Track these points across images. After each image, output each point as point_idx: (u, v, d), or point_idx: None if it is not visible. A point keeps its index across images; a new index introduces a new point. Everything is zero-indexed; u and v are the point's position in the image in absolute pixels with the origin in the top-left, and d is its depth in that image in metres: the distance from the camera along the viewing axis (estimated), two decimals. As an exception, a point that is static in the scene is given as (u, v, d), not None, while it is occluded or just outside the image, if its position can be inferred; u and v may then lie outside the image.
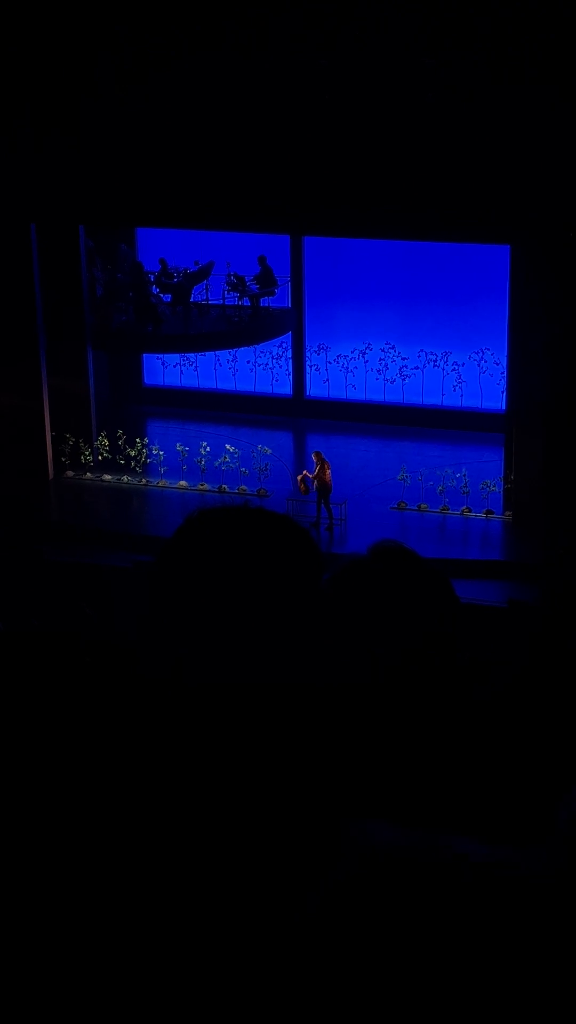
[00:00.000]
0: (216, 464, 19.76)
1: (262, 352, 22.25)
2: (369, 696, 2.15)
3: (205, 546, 1.82)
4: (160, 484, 19.94)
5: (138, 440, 20.43)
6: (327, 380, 22.29)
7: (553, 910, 1.27)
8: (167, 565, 1.83)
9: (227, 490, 19.30)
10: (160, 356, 22.59)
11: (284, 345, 22.21)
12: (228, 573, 1.78)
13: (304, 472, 18.86)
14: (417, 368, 21.74)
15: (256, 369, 22.51)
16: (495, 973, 1.26)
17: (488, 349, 21.05)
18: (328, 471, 18.50)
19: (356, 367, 22.07)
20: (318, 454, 18.81)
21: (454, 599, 2.44)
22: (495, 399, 20.88)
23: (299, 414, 22.32)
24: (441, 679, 2.32)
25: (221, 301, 21.32)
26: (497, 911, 1.26)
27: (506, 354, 19.78)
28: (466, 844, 1.28)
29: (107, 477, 20.21)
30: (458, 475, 19.08)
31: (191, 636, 1.76)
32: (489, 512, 18.70)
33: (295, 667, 1.77)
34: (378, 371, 21.96)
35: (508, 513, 18.70)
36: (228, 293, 21.23)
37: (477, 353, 21.29)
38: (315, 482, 18.51)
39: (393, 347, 21.79)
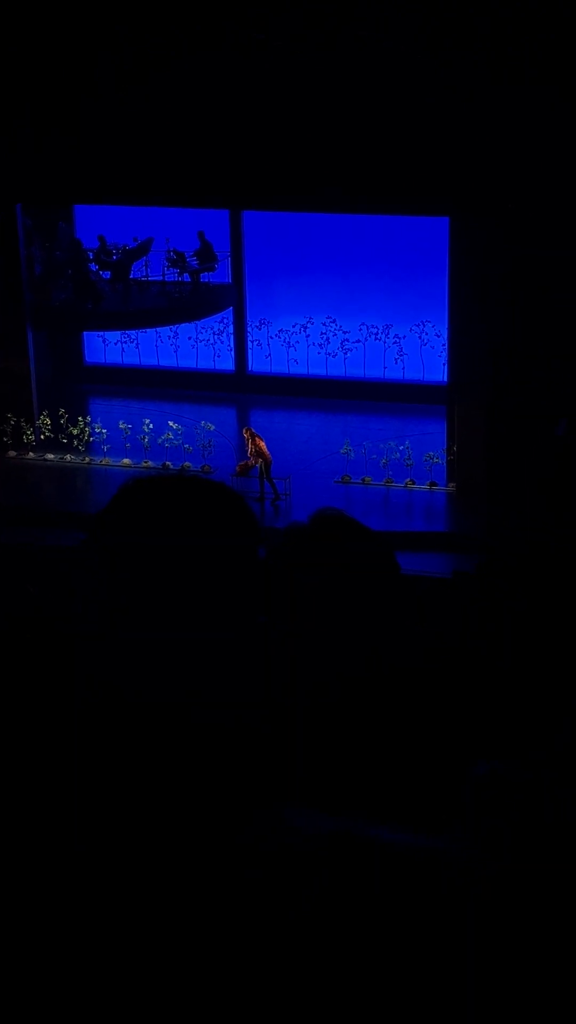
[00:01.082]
0: (159, 441, 19.68)
1: (203, 328, 22.17)
2: (311, 667, 2.15)
3: (139, 514, 1.81)
4: (104, 462, 19.84)
5: (80, 419, 20.30)
6: (269, 355, 22.25)
7: (460, 892, 1.29)
8: (101, 534, 1.82)
9: (171, 467, 19.24)
10: (101, 333, 22.44)
11: (225, 321, 22.14)
12: (163, 539, 1.77)
13: (245, 461, 18.83)
14: (359, 341, 21.76)
15: (197, 345, 22.43)
16: (415, 954, 1.27)
17: (429, 321, 21.11)
18: (263, 443, 18.50)
19: (298, 341, 22.05)
20: (248, 430, 18.80)
21: (395, 564, 2.45)
22: (437, 371, 20.95)
23: (242, 390, 22.27)
24: (384, 645, 2.33)
25: (161, 277, 21.20)
26: (412, 895, 1.28)
27: (447, 326, 19.84)
28: (383, 830, 1.30)
29: (50, 456, 20.07)
30: (401, 448, 19.14)
31: (126, 603, 1.75)
32: (433, 484, 18.79)
33: (233, 634, 1.77)
34: (320, 345, 21.96)
35: (452, 485, 18.80)
36: (168, 269, 21.11)
37: (418, 325, 21.34)
38: (255, 458, 18.49)
39: (334, 321, 21.79)
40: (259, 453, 18.42)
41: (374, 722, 2.09)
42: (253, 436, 18.55)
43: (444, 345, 20.37)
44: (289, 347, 22.09)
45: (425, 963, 1.43)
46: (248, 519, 1.86)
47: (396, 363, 21.64)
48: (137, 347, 22.65)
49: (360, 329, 21.71)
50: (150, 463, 19.44)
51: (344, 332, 21.79)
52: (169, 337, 22.35)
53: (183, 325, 21.74)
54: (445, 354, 20.19)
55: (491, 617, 2.58)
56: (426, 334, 21.29)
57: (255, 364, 22.38)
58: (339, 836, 1.28)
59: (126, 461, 19.66)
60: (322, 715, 2.02)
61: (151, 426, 19.84)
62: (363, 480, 19.00)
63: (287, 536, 2.37)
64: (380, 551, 2.46)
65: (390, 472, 18.93)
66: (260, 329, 22.20)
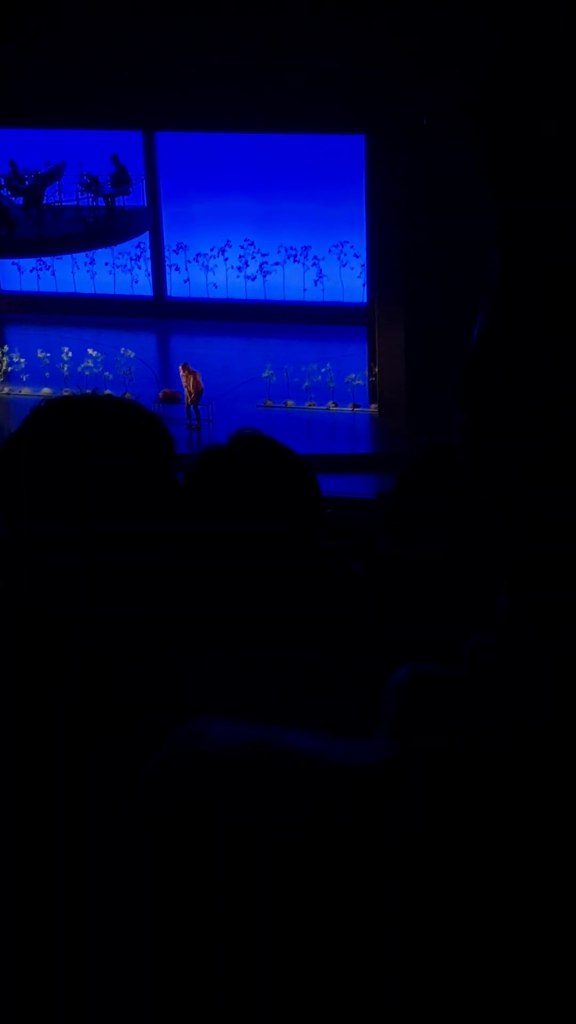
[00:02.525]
0: (79, 369, 19.48)
1: (120, 253, 21.85)
2: (228, 585, 2.16)
3: (53, 434, 1.79)
4: (23, 392, 19.59)
5: (-3, 348, 20.02)
6: (187, 280, 22.02)
7: (381, 799, 1.31)
8: (13, 455, 1.81)
9: (92, 395, 19.03)
10: (15, 261, 22.02)
11: (142, 245, 21.84)
12: (78, 459, 1.76)
13: (169, 389, 18.74)
14: (277, 264, 21.60)
15: (115, 271, 22.12)
16: (326, 864, 1.29)
17: (347, 242, 20.99)
18: (199, 378, 18.41)
19: (216, 265, 21.83)
20: (185, 366, 18.64)
21: (314, 483, 2.45)
22: (356, 292, 20.88)
23: (161, 315, 22.04)
24: (304, 564, 2.34)
25: (75, 202, 20.81)
26: (328, 802, 1.29)
27: (365, 247, 19.74)
28: (299, 736, 1.30)
29: (-32, 388, 19.79)
30: (323, 370, 19.12)
31: (40, 525, 1.74)
32: (355, 406, 18.82)
33: (151, 556, 1.77)
34: (238, 269, 21.76)
35: (373, 406, 18.85)
36: (82, 194, 20.72)
37: (337, 247, 21.21)
38: (190, 393, 18.38)
39: (252, 244, 21.58)
40: (196, 389, 18.30)
41: (293, 630, 2.11)
42: (192, 373, 18.40)
43: (363, 266, 20.29)
44: (208, 271, 21.87)
45: (346, 874, 1.44)
46: (163, 439, 1.85)
47: (316, 285, 21.53)
48: (53, 274, 22.28)
49: (279, 251, 21.54)
50: (70, 392, 19.20)
51: (263, 255, 21.61)
52: (85, 263, 22.01)
53: (99, 251, 21.41)
54: (364, 275, 20.12)
55: (413, 523, 2.59)
56: (345, 255, 21.18)
57: (173, 289, 22.14)
58: (258, 744, 1.28)
59: (46, 391, 19.42)
60: (243, 626, 2.03)
61: (70, 354, 19.61)
62: (285, 404, 18.97)
63: (204, 458, 2.36)
64: (300, 470, 2.46)
65: (312, 395, 18.92)
66: (178, 253, 21.93)
